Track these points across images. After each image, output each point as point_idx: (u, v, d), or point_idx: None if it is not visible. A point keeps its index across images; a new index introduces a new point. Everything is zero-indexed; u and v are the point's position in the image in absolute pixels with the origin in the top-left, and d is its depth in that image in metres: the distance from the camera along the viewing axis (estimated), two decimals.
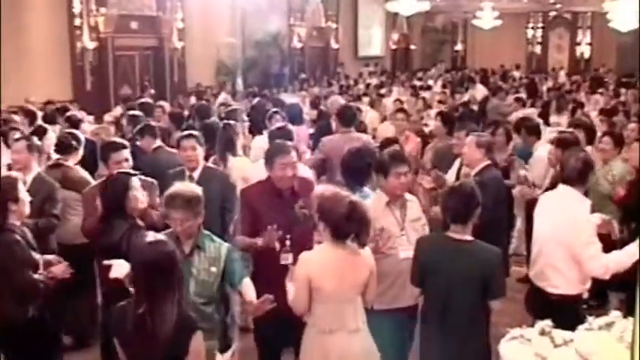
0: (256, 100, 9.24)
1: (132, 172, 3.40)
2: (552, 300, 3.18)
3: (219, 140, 4.75)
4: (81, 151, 4.38)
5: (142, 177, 3.95)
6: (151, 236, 2.26)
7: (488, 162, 4.09)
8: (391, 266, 3.15)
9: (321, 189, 2.82)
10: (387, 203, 3.33)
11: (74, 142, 4.35)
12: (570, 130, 5.10)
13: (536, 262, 3.30)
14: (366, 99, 11.87)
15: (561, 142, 4.42)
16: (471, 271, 2.77)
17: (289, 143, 3.45)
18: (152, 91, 13.05)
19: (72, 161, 4.36)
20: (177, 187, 2.87)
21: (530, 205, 4.21)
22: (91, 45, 12.62)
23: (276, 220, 3.12)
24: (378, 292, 2.99)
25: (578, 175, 3.20)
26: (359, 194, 3.56)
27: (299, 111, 6.64)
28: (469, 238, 2.87)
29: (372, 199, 3.41)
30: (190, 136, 4.05)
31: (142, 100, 7.94)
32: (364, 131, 7.98)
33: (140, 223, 3.22)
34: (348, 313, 2.75)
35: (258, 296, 2.80)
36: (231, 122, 5.03)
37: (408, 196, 3.28)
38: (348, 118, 5.13)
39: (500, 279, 2.82)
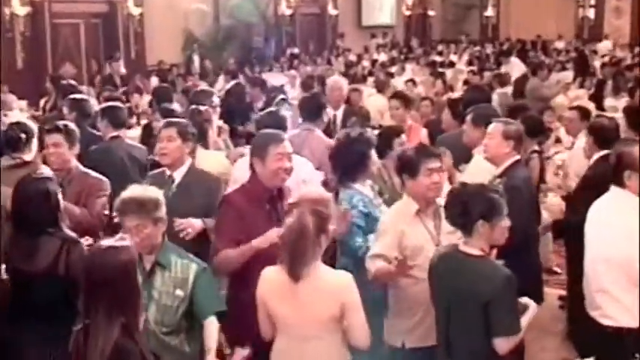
0: (233, 82, 9.33)
1: (47, 174, 3.35)
2: (606, 333, 3.12)
3: None
4: (35, 143, 4.40)
5: (90, 172, 4.04)
6: (111, 240, 2.28)
7: (517, 157, 4.08)
8: (423, 293, 3.10)
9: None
10: (417, 212, 3.36)
11: (23, 135, 4.30)
12: (612, 115, 5.13)
13: (586, 286, 3.29)
14: (372, 79, 12.02)
15: (594, 130, 4.48)
16: (471, 295, 2.76)
17: (280, 132, 3.53)
18: (122, 69, 12.94)
19: (28, 158, 4.37)
20: (131, 189, 2.93)
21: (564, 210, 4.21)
22: (22, 10, 12.29)
23: (268, 231, 3.17)
24: (408, 326, 3.00)
25: (614, 175, 3.21)
26: (344, 193, 3.71)
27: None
28: (476, 252, 2.87)
29: (396, 207, 3.45)
30: (170, 124, 4.06)
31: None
32: (367, 120, 8.20)
33: (73, 235, 3.16)
34: (315, 353, 2.71)
35: (238, 322, 2.89)
36: (202, 107, 5.14)
37: (441, 201, 3.22)
38: (311, 110, 5.11)
39: (504, 310, 2.73)
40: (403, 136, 4.61)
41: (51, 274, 3.00)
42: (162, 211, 2.93)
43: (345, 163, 3.77)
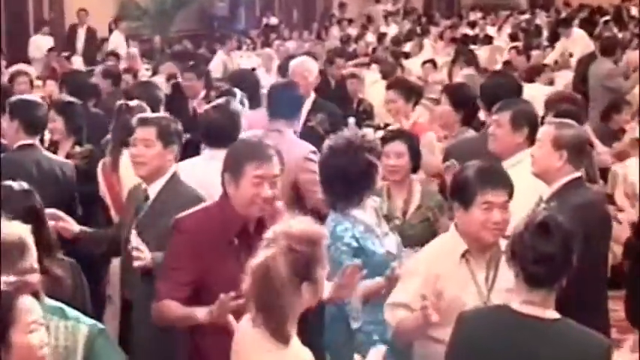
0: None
1: None
2: None
3: (113, 129, 5.02)
4: None
5: None
6: None
7: (576, 175, 4.10)
8: None
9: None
10: (465, 254, 3.44)
11: None
12: None
13: None
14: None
15: None
16: None
17: (268, 144, 3.53)
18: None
19: None
20: None
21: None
22: None
23: (235, 283, 3.14)
24: None
25: None
26: (344, 225, 3.75)
27: (253, 82, 6.72)
28: (552, 314, 2.90)
29: (436, 243, 3.56)
30: (147, 122, 4.16)
31: None
32: (369, 118, 8.21)
33: None
34: None
35: None
36: (134, 103, 5.18)
37: (503, 242, 3.31)
38: (284, 103, 5.19)
39: None
40: (394, 144, 4.68)
41: None
42: (30, 259, 2.85)
43: (342, 181, 3.80)
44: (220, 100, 5.05)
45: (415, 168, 4.79)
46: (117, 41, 15.14)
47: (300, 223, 2.90)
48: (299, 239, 2.78)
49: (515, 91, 5.32)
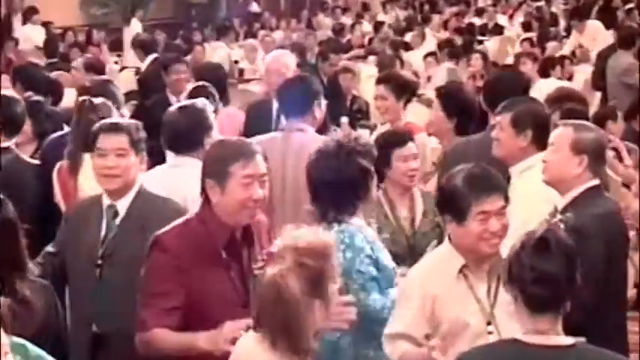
0: (151, 57, 9.45)
1: None
2: None
3: (72, 128, 5.03)
4: None
5: None
6: None
7: (594, 182, 4.09)
8: None
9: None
10: (463, 269, 3.48)
11: None
12: None
13: None
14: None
15: None
16: None
17: (250, 141, 3.62)
18: None
19: None
20: None
21: None
22: None
23: (228, 299, 3.29)
24: None
25: None
26: (340, 233, 3.80)
27: (220, 78, 6.79)
28: (565, 340, 2.88)
29: (429, 260, 3.60)
30: (117, 128, 4.13)
31: None
32: (365, 117, 8.21)
33: None
34: None
35: None
36: (99, 101, 5.15)
37: (504, 249, 3.34)
38: (299, 99, 5.23)
39: None
40: (411, 145, 4.72)
41: None
42: None
43: (332, 189, 3.85)
44: (186, 101, 5.06)
45: None
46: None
47: (307, 235, 2.93)
48: (308, 253, 2.82)
49: (521, 89, 5.31)
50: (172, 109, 4.96)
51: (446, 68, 9.63)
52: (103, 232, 4.02)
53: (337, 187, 3.85)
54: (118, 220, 4.03)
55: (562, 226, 3.10)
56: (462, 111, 5.62)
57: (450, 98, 5.73)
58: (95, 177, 4.17)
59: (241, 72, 12.75)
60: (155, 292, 3.39)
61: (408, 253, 4.49)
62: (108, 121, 4.33)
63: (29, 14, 15.17)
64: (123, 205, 4.07)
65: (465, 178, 3.50)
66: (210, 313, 3.26)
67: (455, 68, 9.78)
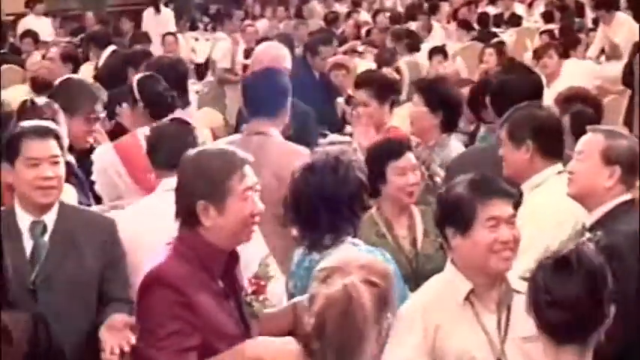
0: (109, 49, 9.45)
1: None
2: None
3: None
4: None
5: None
6: None
7: (627, 197, 4.10)
8: None
9: None
10: (469, 295, 3.53)
11: None
12: None
13: None
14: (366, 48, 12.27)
15: None
16: None
17: (232, 149, 3.66)
18: None
19: None
20: None
21: None
22: None
23: (231, 334, 3.43)
24: None
25: None
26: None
27: (181, 75, 6.81)
28: None
29: (430, 287, 3.67)
30: (46, 131, 4.16)
31: None
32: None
33: None
34: None
35: None
36: (42, 101, 5.18)
37: (514, 277, 3.48)
38: (264, 97, 5.32)
39: None
40: (409, 156, 4.74)
41: None
42: None
43: (334, 207, 3.86)
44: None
45: None
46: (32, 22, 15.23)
47: (361, 255, 3.14)
48: (376, 271, 2.91)
49: (532, 93, 5.27)
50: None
51: (405, 62, 9.51)
52: (28, 252, 4.01)
53: (336, 205, 3.85)
54: (46, 238, 4.02)
55: (590, 245, 3.06)
56: (447, 105, 5.71)
57: (434, 91, 5.82)
58: (26, 190, 4.09)
59: (246, 68, 12.57)
60: (168, 333, 3.40)
61: (410, 276, 4.46)
62: (32, 124, 4.28)
63: None
64: (50, 219, 4.06)
65: (469, 182, 3.57)
66: (215, 349, 3.36)
67: (417, 62, 9.77)
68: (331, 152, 4.02)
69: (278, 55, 6.49)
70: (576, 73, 9.96)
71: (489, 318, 3.50)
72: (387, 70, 7.63)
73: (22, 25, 14.88)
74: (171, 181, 4.13)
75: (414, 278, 4.41)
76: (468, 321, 3.49)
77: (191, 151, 3.68)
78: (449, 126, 5.71)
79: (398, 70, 9.55)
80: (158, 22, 14.66)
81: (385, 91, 6.10)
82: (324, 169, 3.91)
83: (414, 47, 11.69)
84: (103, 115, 5.39)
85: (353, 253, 3.11)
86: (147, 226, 4.30)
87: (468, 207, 3.48)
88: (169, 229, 3.61)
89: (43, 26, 14.78)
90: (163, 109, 5.42)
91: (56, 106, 5.09)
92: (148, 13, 15.10)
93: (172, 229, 3.60)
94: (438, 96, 5.75)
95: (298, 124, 6.15)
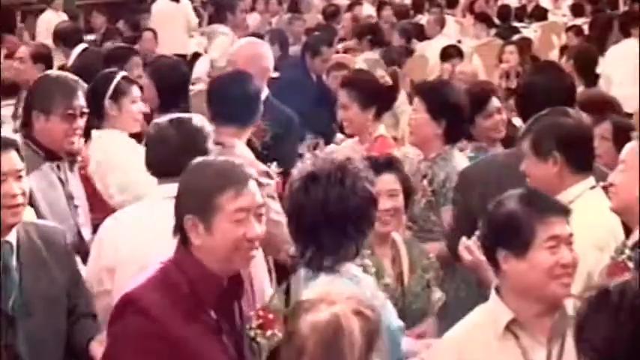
0: (80, 47, 9.52)
1: None
2: None
3: None
4: None
5: None
6: None
7: None
8: None
9: None
10: (513, 327, 3.54)
11: None
12: None
13: None
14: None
15: None
16: None
17: (239, 162, 3.72)
18: None
19: None
20: None
21: None
22: None
23: None
24: None
25: None
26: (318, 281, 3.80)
27: (180, 76, 6.82)
28: None
29: (472, 318, 3.70)
30: (7, 144, 4.25)
31: None
32: None
33: None
34: None
35: None
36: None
37: (570, 304, 3.52)
38: (226, 102, 5.43)
39: None
40: (387, 179, 4.68)
41: None
42: None
43: (339, 224, 3.84)
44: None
45: (405, 207, 4.88)
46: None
47: (351, 289, 3.19)
48: (364, 303, 2.93)
49: (565, 97, 5.26)
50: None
51: (364, 60, 9.50)
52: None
53: (340, 221, 3.81)
54: (13, 260, 4.11)
55: (630, 264, 3.15)
56: (452, 112, 5.65)
57: (436, 96, 5.77)
58: None
59: None
60: None
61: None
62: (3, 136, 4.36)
63: None
64: (12, 238, 4.15)
65: (521, 198, 3.61)
66: None
67: (378, 59, 9.98)
68: (336, 159, 3.97)
69: (254, 55, 6.57)
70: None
71: (538, 352, 3.51)
72: (386, 72, 7.64)
73: (42, 22, 14.95)
74: (163, 188, 4.37)
75: (401, 318, 4.31)
76: (511, 357, 3.51)
77: (196, 160, 3.73)
78: (453, 136, 5.65)
79: (394, 75, 9.50)
80: (173, 15, 14.79)
81: (370, 95, 6.17)
82: (329, 179, 3.86)
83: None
84: (85, 110, 5.29)
85: (337, 286, 3.15)
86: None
87: (526, 226, 3.50)
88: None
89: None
90: None
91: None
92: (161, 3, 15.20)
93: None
94: (441, 101, 5.69)
95: (280, 130, 6.23)
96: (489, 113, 6.10)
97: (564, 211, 3.60)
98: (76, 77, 5.31)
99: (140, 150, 5.05)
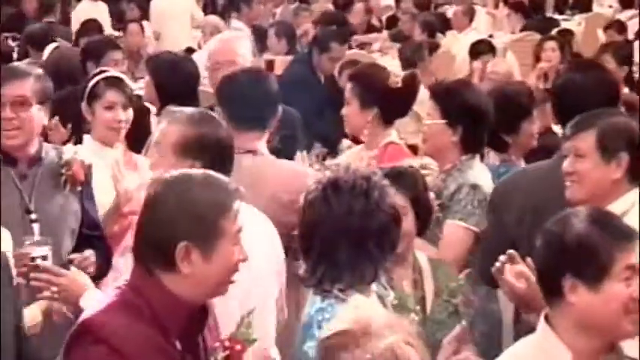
0: (50, 47, 9.52)
1: None
2: None
3: None
4: None
5: None
6: None
7: None
8: None
9: None
10: None
11: None
12: None
13: None
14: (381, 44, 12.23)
15: None
16: None
17: (229, 183, 3.75)
18: None
19: None
20: None
21: None
22: None
23: None
24: None
25: None
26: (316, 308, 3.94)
27: (188, 74, 6.97)
28: None
29: (518, 353, 3.71)
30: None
31: None
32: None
33: None
34: None
35: None
36: None
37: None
38: (248, 104, 5.51)
39: None
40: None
41: None
42: None
43: (352, 244, 3.91)
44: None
45: (422, 229, 4.95)
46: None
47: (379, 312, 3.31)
48: (409, 332, 2.97)
49: (608, 98, 5.30)
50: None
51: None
52: None
53: (362, 238, 3.88)
54: None
55: None
56: (470, 118, 5.67)
57: (453, 98, 5.79)
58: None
59: (270, 64, 12.46)
60: None
61: None
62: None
63: None
64: None
65: (595, 219, 3.58)
66: None
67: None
68: (360, 171, 4.05)
69: (230, 50, 6.71)
70: None
71: None
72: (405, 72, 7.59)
73: (77, 14, 15.17)
74: None
75: None
76: None
77: (173, 175, 3.71)
78: (472, 145, 5.65)
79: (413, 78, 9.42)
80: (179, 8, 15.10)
81: (371, 94, 6.17)
82: (353, 191, 3.93)
83: None
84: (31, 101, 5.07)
85: (365, 310, 3.23)
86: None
87: (604, 252, 3.49)
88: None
89: (101, 13, 14.98)
90: None
91: None
92: None
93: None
94: (458, 105, 5.70)
95: (287, 132, 6.34)
96: (534, 119, 6.15)
97: (636, 236, 3.57)
98: (25, 65, 5.31)
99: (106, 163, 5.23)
